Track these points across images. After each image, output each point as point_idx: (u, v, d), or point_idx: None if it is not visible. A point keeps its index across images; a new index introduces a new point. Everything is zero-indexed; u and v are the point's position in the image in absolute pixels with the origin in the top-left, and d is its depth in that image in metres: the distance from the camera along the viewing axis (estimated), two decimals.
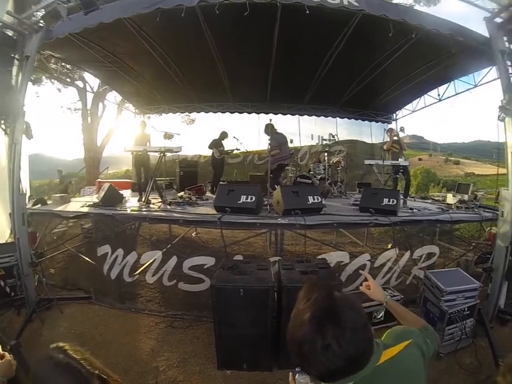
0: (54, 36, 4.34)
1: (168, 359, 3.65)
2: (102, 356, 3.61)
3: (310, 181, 7.48)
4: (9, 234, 5.41)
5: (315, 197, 4.71)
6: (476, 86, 7.17)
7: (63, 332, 4.05)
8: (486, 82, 6.64)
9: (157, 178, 5.93)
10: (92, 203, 5.23)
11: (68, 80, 9.48)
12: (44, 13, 4.15)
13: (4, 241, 4.53)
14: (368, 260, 4.40)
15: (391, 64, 6.61)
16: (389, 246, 5.99)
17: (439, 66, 6.58)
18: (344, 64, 6.85)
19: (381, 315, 3.98)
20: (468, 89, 7.44)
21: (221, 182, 7.84)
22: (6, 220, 5.46)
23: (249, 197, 4.52)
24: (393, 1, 4.75)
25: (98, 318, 4.37)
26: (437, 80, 7.80)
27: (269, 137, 6.13)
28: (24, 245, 4.18)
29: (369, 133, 11.57)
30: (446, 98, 8.35)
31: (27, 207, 4.97)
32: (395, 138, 6.41)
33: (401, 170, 5.89)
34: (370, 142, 11.73)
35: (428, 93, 8.92)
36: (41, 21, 4.25)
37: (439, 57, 6.16)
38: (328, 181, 7.86)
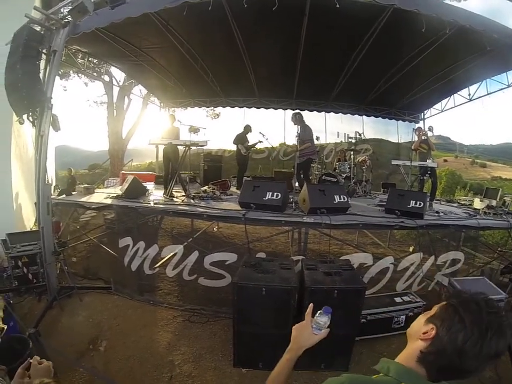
0: (81, 30, 4.38)
1: (184, 353, 3.67)
2: (119, 347, 3.71)
3: (335, 179, 7.33)
4: (34, 222, 5.58)
5: (341, 196, 4.63)
6: (509, 86, 6.88)
7: (81, 321, 4.13)
8: None
9: (181, 172, 5.94)
10: (115, 195, 5.29)
11: (95, 74, 9.63)
12: (70, 8, 4.18)
13: (29, 229, 4.62)
14: (391, 263, 4.29)
15: (420, 61, 6.43)
16: (411, 248, 5.88)
17: (471, 64, 6.34)
18: (373, 61, 6.68)
19: (402, 320, 3.90)
20: (501, 89, 7.13)
21: (245, 178, 7.83)
22: (32, 209, 5.63)
23: (275, 194, 4.48)
24: None
25: (117, 308, 4.42)
26: (468, 79, 7.52)
27: (297, 128, 5.93)
28: (48, 234, 4.26)
29: (395, 132, 11.37)
30: (477, 98, 8.03)
31: (52, 197, 5.09)
32: (423, 138, 6.20)
33: (428, 172, 5.71)
34: (397, 142, 11.49)
35: (458, 92, 8.62)
36: (68, 16, 4.28)
37: (471, 54, 5.94)
38: (353, 180, 7.73)
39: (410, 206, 4.53)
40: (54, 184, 13.35)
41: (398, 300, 4.00)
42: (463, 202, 6.85)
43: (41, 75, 4.22)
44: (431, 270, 4.44)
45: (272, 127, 10.92)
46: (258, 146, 8.64)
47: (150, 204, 4.68)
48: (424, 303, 3.94)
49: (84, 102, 17.49)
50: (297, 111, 6.33)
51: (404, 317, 3.89)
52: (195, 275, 4.46)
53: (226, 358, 3.53)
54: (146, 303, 4.55)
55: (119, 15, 4.26)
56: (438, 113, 9.89)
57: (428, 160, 5.66)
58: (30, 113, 4.02)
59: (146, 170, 13.34)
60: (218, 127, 10.55)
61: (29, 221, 5.56)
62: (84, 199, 5.16)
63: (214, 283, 4.40)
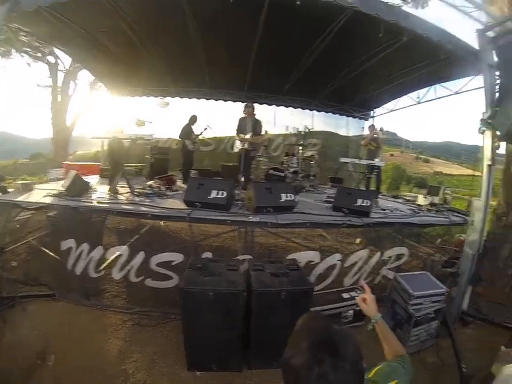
0: (22, 8, 3.95)
1: (136, 360, 3.56)
2: (68, 359, 3.50)
3: (283, 174, 7.43)
4: None
5: (288, 194, 4.66)
6: (456, 93, 7.35)
7: (26, 333, 3.83)
8: (467, 91, 6.81)
9: (126, 164, 5.69)
10: (56, 192, 4.93)
11: (39, 54, 8.75)
12: None
13: None
14: (338, 260, 4.44)
15: (375, 63, 6.58)
16: (358, 240, 6.13)
17: (424, 70, 6.62)
18: (328, 59, 6.72)
19: (350, 314, 4.07)
20: (448, 95, 7.64)
21: (192, 172, 7.81)
22: None
23: (220, 192, 4.42)
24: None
25: (63, 316, 4.17)
26: (419, 83, 7.87)
27: (249, 120, 5.94)
28: None
29: (345, 126, 11.61)
30: (426, 101, 8.49)
31: None
32: (374, 136, 6.44)
33: (376, 171, 5.95)
34: (346, 135, 11.71)
35: (408, 94, 9.00)
36: None
37: (425, 61, 6.16)
38: (301, 175, 7.83)
39: (358, 204, 4.69)
40: None
41: (345, 295, 4.15)
42: (408, 198, 7.27)
43: None
44: (377, 264, 4.66)
45: (222, 119, 10.78)
46: (205, 136, 8.64)
47: (92, 203, 4.42)
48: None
49: (27, 84, 16.15)
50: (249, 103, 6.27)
51: (352, 311, 4.07)
52: (142, 276, 4.33)
53: (180, 361, 3.47)
54: (93, 308, 4.34)
55: None
56: (388, 112, 10.35)
57: (375, 159, 5.86)
58: None
59: (93, 160, 12.56)
60: (167, 117, 10.20)
61: None
62: (21, 197, 4.75)
63: (162, 284, 4.30)
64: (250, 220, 4.21)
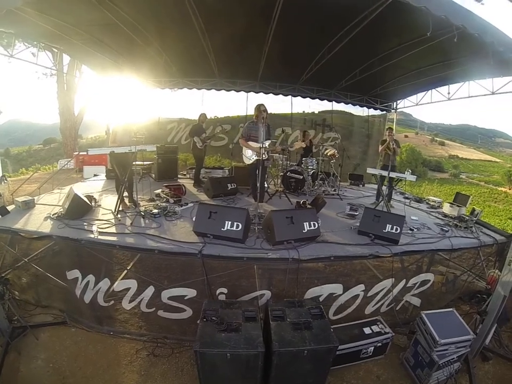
0: None
1: None
2: None
3: (301, 177, 7.03)
4: None
5: (312, 223, 4.22)
6: (493, 93, 6.55)
7: (41, 366, 3.78)
8: (505, 92, 6.08)
9: (133, 163, 5.35)
10: (57, 213, 4.64)
11: (42, 44, 8.10)
12: None
13: None
14: (361, 290, 4.18)
15: (406, 56, 5.90)
16: None
17: (458, 68, 6.01)
18: (353, 50, 6.08)
19: (370, 350, 3.92)
20: (484, 95, 6.82)
21: (202, 171, 7.75)
22: None
23: (235, 224, 4.02)
24: None
25: (76, 345, 4.06)
26: (452, 78, 7.14)
27: (265, 125, 5.20)
28: None
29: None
30: (458, 98, 7.68)
31: None
32: (392, 143, 5.96)
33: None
34: (366, 115, 10.96)
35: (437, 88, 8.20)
36: None
37: (464, 57, 5.51)
38: (320, 176, 7.39)
39: (386, 230, 4.30)
40: (0, 174, 12.10)
41: (367, 330, 3.93)
42: (432, 204, 6.82)
43: None
44: (401, 291, 4.40)
45: (233, 111, 10.30)
46: (217, 131, 8.50)
47: (93, 234, 4.09)
48: (393, 334, 3.93)
49: (33, 73, 15.80)
50: (260, 103, 5.50)
51: (372, 348, 3.90)
52: (153, 308, 4.14)
53: None
54: (107, 335, 4.22)
55: None
56: (412, 105, 9.50)
57: (406, 173, 5.34)
58: None
59: (103, 143, 12.46)
60: (177, 107, 9.85)
61: None
62: (21, 221, 4.46)
63: (175, 315, 4.12)
64: (269, 257, 3.85)
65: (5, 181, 11.74)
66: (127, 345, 4.14)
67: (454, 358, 3.57)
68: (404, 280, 4.33)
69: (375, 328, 3.98)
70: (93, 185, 7.48)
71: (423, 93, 8.79)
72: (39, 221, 4.55)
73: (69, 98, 14.72)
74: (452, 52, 5.43)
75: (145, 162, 7.93)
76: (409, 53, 5.75)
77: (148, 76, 9.15)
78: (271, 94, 9.74)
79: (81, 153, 12.67)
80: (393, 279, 4.19)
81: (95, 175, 9.05)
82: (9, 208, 5.06)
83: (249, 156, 5.51)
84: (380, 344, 3.91)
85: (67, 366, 3.81)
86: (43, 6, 4.48)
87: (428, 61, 6.38)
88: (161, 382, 3.67)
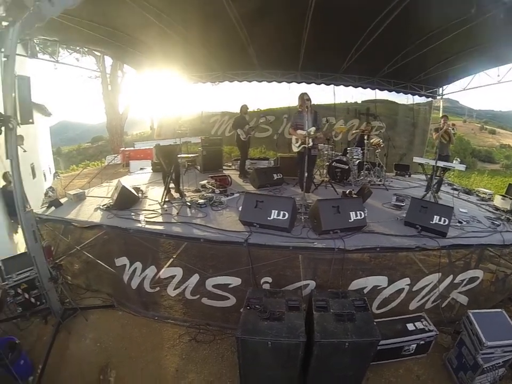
0: (33, 24, 3.50)
1: (192, 381, 3.64)
2: (128, 377, 3.68)
3: (347, 167, 6.95)
4: None
5: (358, 212, 4.15)
6: None
7: (89, 345, 4.08)
8: None
9: (178, 156, 5.49)
10: (106, 205, 4.95)
11: (85, 49, 8.68)
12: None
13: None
14: (407, 284, 4.04)
15: (451, 37, 5.52)
16: None
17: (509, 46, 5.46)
18: (394, 34, 5.79)
19: (412, 348, 3.78)
20: None
21: (247, 162, 7.84)
22: None
23: (282, 213, 4.05)
24: None
25: (123, 328, 4.32)
26: (501, 59, 6.56)
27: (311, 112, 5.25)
28: (40, 262, 4.01)
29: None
30: (509, 81, 7.01)
31: (39, 212, 4.74)
32: (450, 128, 5.60)
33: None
34: (411, 103, 10.50)
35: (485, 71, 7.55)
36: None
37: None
38: (366, 166, 7.24)
39: (434, 222, 4.10)
40: (53, 171, 13.13)
41: (410, 327, 3.78)
42: (482, 196, 6.40)
43: None
44: (447, 288, 4.19)
45: (276, 103, 10.31)
46: (261, 121, 8.43)
47: (141, 223, 4.29)
48: (437, 332, 3.76)
49: (78, 77, 17.09)
50: (303, 92, 5.46)
51: (414, 345, 3.76)
52: (198, 295, 4.29)
53: None
54: (151, 319, 4.44)
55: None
56: (459, 91, 8.91)
57: (455, 161, 5.04)
58: None
59: (148, 138, 13.04)
60: (219, 101, 10.10)
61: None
62: (73, 212, 4.79)
63: (218, 303, 4.24)
64: (315, 246, 3.83)
65: (58, 177, 12.76)
66: (171, 330, 4.32)
67: (499, 363, 3.33)
68: (451, 275, 4.11)
69: (419, 325, 3.82)
70: (139, 178, 7.83)
71: (470, 77, 8.19)
72: (89, 211, 4.87)
73: (113, 97, 15.59)
74: (500, 29, 4.87)
75: (190, 155, 8.07)
76: (453, 34, 5.39)
77: (189, 71, 9.35)
78: (313, 84, 9.64)
79: (127, 148, 13.34)
80: (440, 273, 4.01)
81: (141, 169, 9.47)
82: (62, 200, 5.46)
83: (296, 144, 5.54)
84: (422, 342, 3.74)
85: (113, 346, 4.07)
86: (87, 12, 4.71)
87: (472, 42, 5.94)
88: (201, 366, 3.81)
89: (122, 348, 4.05)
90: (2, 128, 3.42)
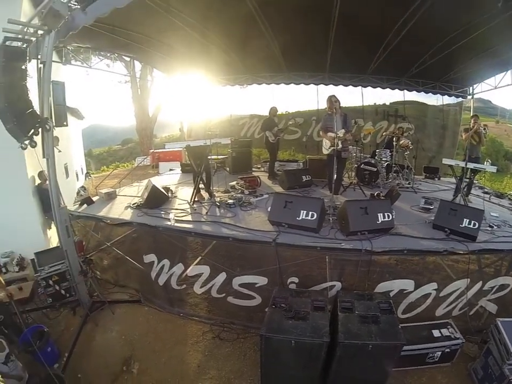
0: (68, 32, 3.78)
1: (212, 377, 3.71)
2: (151, 369, 3.81)
3: (375, 169, 6.89)
4: None
5: (386, 214, 4.11)
6: None
7: (114, 337, 4.25)
8: None
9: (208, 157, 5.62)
10: (136, 203, 5.13)
11: (115, 55, 9.13)
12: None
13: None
14: (434, 289, 3.94)
15: (479, 34, 5.35)
16: None
17: None
18: (420, 32, 5.68)
19: (437, 355, 3.68)
20: None
21: (276, 164, 7.86)
22: None
23: (310, 213, 4.08)
24: None
25: (148, 323, 4.47)
26: None
27: (339, 114, 5.28)
28: (72, 255, 4.25)
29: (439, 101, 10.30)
30: None
31: (72, 209, 4.98)
32: (481, 129, 5.43)
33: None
34: (441, 104, 10.28)
35: None
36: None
37: None
38: (395, 168, 7.17)
39: (463, 225, 3.98)
40: (85, 171, 13.75)
41: (436, 333, 3.67)
42: None
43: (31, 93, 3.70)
44: (476, 295, 4.05)
45: (304, 105, 10.37)
46: (290, 123, 8.54)
47: (170, 222, 4.43)
48: (463, 341, 3.64)
49: (108, 82, 18.16)
50: (331, 94, 5.48)
51: (439, 353, 3.66)
52: (223, 294, 4.37)
53: None
54: (176, 316, 4.57)
55: (103, 8, 3.62)
56: (491, 89, 8.50)
57: (486, 163, 4.89)
58: (29, 140, 3.64)
59: (177, 141, 13.40)
60: (247, 103, 10.34)
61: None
62: (104, 210, 5.01)
63: (244, 302, 4.30)
64: (342, 247, 3.83)
65: (89, 177, 13.34)
66: (195, 327, 4.42)
67: None
68: (480, 282, 3.97)
69: (445, 332, 3.71)
70: (169, 178, 8.02)
71: (502, 74, 7.85)
72: (120, 210, 5.07)
73: (143, 101, 16.16)
74: None
75: (219, 156, 8.21)
76: (481, 31, 5.24)
77: (217, 74, 9.54)
78: (341, 86, 9.62)
79: (156, 150, 13.68)
80: (469, 279, 3.88)
81: (170, 170, 9.72)
82: (94, 199, 5.71)
83: (326, 147, 5.57)
84: (448, 350, 3.62)
85: (138, 339, 4.22)
86: (119, 20, 4.91)
87: (502, 37, 5.70)
88: (223, 364, 3.88)
89: (147, 342, 4.19)
90: (40, 130, 3.67)
